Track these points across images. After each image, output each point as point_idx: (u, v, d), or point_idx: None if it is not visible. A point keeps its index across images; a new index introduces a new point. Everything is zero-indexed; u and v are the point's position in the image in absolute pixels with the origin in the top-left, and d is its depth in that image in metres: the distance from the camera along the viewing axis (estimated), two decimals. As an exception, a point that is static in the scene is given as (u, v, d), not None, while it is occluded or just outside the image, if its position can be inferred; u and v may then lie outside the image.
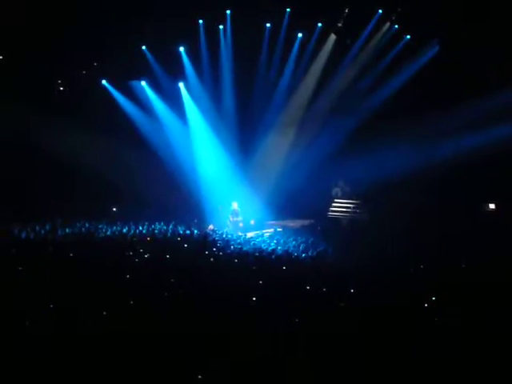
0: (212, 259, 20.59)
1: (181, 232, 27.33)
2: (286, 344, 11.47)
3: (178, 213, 31.08)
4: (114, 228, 27.71)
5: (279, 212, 31.64)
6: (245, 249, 22.78)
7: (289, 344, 11.48)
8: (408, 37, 31.68)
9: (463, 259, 19.23)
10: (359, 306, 13.94)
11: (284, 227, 29.64)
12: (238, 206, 30.62)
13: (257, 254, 21.19)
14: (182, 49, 32.47)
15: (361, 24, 31.72)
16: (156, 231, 27.35)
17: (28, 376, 10.40)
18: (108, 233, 26.70)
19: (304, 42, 32.70)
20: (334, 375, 10.47)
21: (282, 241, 24.71)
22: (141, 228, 27.68)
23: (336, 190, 33.22)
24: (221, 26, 32.37)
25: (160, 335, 11.82)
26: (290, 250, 22.61)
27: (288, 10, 31.46)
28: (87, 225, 27.96)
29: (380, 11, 31.31)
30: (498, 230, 24.53)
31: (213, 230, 28.06)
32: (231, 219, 30.19)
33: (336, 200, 32.98)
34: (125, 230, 27.18)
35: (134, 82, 33.12)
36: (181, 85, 33.11)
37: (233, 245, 23.83)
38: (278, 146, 33.31)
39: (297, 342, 11.64)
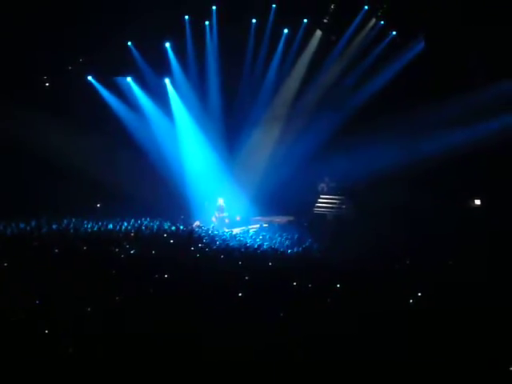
0: (198, 255, 20.60)
1: (167, 228, 27.32)
2: (273, 339, 11.48)
3: (164, 209, 31.06)
4: (100, 224, 27.66)
5: (265, 208, 31.64)
6: (231, 244, 22.81)
7: (276, 339, 11.50)
8: (394, 33, 31.72)
9: (449, 256, 19.25)
10: (345, 301, 13.98)
11: (270, 223, 29.62)
12: (223, 202, 30.60)
13: (242, 250, 21.23)
14: (167, 45, 32.42)
15: (347, 20, 31.73)
16: (142, 227, 27.32)
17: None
18: (94, 229, 26.66)
19: (290, 38, 32.70)
20: (321, 370, 10.49)
21: (267, 236, 24.70)
22: (126, 224, 27.63)
23: (322, 186, 33.25)
24: (207, 22, 32.29)
25: (145, 331, 11.83)
26: (276, 246, 22.66)
27: (274, 5, 31.42)
28: (72, 221, 27.91)
29: (366, 7, 31.32)
30: (484, 226, 24.60)
31: (199, 226, 28.05)
32: (217, 215, 30.18)
33: (322, 196, 32.99)
34: (110, 226, 27.12)
35: (120, 78, 33.04)
36: (167, 81, 33.09)
37: (218, 240, 23.84)
38: (264, 142, 33.39)
39: (284, 336, 11.66)
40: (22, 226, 26.13)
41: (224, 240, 24.06)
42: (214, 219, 30.11)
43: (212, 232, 26.50)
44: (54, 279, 15.63)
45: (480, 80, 29.27)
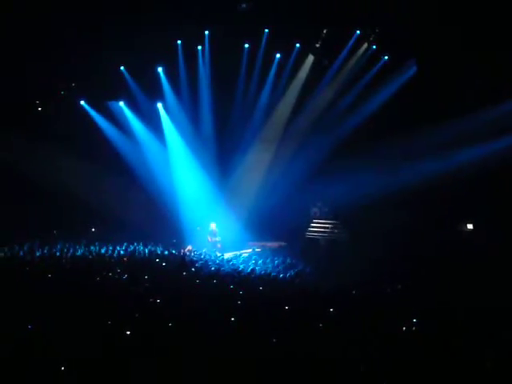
0: (190, 279, 20.54)
1: (159, 253, 27.26)
2: (265, 364, 11.42)
3: (156, 234, 30.99)
4: (92, 248, 27.60)
5: (257, 232, 31.50)
6: (223, 269, 22.75)
7: (268, 364, 11.43)
8: (386, 57, 31.84)
9: (440, 280, 19.28)
10: (338, 325, 13.93)
11: (262, 247, 29.57)
12: (216, 227, 30.53)
13: (235, 275, 21.17)
14: (160, 69, 32.51)
15: (339, 44, 31.85)
16: (135, 252, 27.24)
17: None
18: (86, 253, 26.58)
19: (282, 63, 32.80)
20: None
21: (260, 261, 24.65)
22: (119, 248, 27.55)
23: (314, 210, 33.21)
24: (199, 47, 32.40)
25: (137, 357, 11.77)
26: (269, 271, 22.61)
27: (266, 30, 31.53)
28: (66, 246, 27.84)
29: (358, 32, 31.44)
30: (476, 250, 24.66)
31: (191, 251, 27.97)
32: (209, 240, 30.11)
33: (314, 220, 32.95)
34: (103, 251, 27.05)
35: (113, 103, 33.08)
36: (159, 105, 33.10)
37: (211, 265, 23.76)
38: (256, 167, 33.39)
39: (276, 362, 11.59)
40: (14, 250, 26.06)
41: (216, 264, 23.99)
42: (209, 239, 30.08)
43: (204, 257, 26.42)
44: (47, 304, 15.54)
45: (472, 104, 29.35)
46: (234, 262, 24.98)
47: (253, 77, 33.12)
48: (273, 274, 21.90)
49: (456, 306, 15.33)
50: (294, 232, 31.71)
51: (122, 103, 32.92)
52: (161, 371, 11.17)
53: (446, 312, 14.78)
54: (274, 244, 30.69)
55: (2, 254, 25.14)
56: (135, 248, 28.04)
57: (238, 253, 28.61)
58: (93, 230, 33.70)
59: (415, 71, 30.86)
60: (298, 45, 32.25)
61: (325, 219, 32.69)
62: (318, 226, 32.65)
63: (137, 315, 14.67)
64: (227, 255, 27.83)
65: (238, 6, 29.91)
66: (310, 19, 29.62)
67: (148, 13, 28.40)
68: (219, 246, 29.95)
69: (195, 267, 23.13)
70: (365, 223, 29.24)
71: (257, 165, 33.52)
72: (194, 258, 25.64)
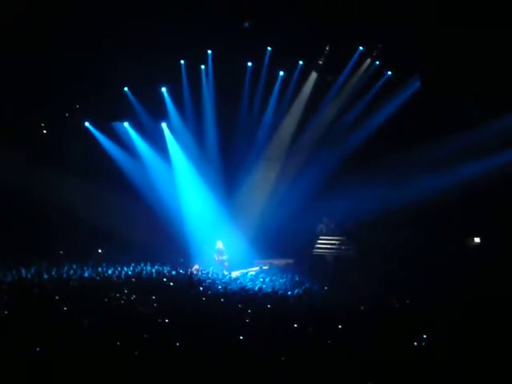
0: (197, 299, 20.50)
1: (166, 272, 27.21)
2: (275, 382, 11.37)
3: (163, 253, 30.94)
4: (100, 270, 27.57)
5: (264, 250, 31.42)
6: (230, 288, 22.69)
7: (277, 382, 11.39)
8: (389, 73, 31.88)
9: (450, 295, 19.18)
10: (347, 342, 13.86)
11: (269, 265, 29.52)
12: (222, 245, 30.48)
13: (243, 293, 21.12)
14: (164, 89, 32.58)
15: (342, 61, 31.92)
16: (142, 272, 27.20)
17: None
18: (93, 275, 26.54)
19: (286, 80, 32.88)
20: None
21: (267, 279, 24.61)
22: (126, 269, 27.52)
23: (321, 227, 33.14)
24: (202, 66, 32.50)
25: (145, 377, 11.73)
26: (276, 288, 22.55)
27: (269, 48, 31.63)
28: (73, 267, 27.81)
29: (361, 48, 31.52)
30: (483, 265, 24.56)
31: (198, 270, 27.94)
32: (216, 258, 30.06)
33: (321, 237, 32.88)
34: (110, 272, 27.01)
35: (117, 123, 33.10)
36: (164, 125, 33.13)
37: (218, 284, 23.72)
38: (262, 184, 33.41)
39: (285, 379, 11.54)
40: (22, 272, 26.05)
41: (224, 283, 23.95)
42: (216, 258, 30.04)
43: (212, 275, 26.38)
44: (55, 326, 15.51)
45: (476, 118, 29.37)
46: (242, 280, 24.93)
47: (256, 95, 33.19)
48: (280, 291, 21.85)
49: (466, 321, 15.24)
50: (301, 249, 31.60)
51: (126, 124, 32.93)
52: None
53: (455, 327, 14.69)
54: (281, 261, 30.61)
55: (10, 277, 25.09)
56: (142, 268, 28.01)
57: (245, 271, 28.58)
58: (99, 251, 33.65)
59: (419, 86, 30.89)
60: (301, 62, 32.35)
61: (331, 236, 32.61)
62: (324, 243, 32.58)
63: (145, 336, 14.62)
64: (234, 273, 27.81)
65: (240, 25, 30.02)
66: (312, 36, 29.70)
67: (151, 33, 28.46)
68: (227, 264, 29.88)
69: (203, 286, 23.10)
70: (371, 239, 29.21)
71: (262, 182, 33.54)
72: (202, 277, 25.60)
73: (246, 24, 30.09)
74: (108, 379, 11.77)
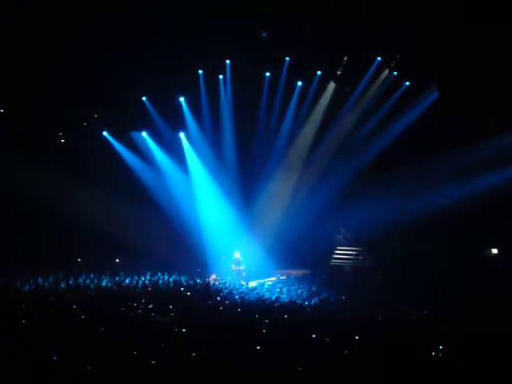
0: (215, 308, 20.51)
1: (183, 282, 27.25)
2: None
3: (180, 263, 30.96)
4: (117, 279, 27.63)
5: (282, 260, 31.38)
6: (247, 298, 22.68)
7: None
8: (407, 83, 31.84)
9: (466, 306, 19.11)
10: (364, 352, 13.82)
11: (287, 275, 29.50)
12: (240, 256, 30.48)
13: (260, 303, 21.11)
14: (182, 99, 32.66)
15: (360, 71, 31.91)
16: (160, 282, 27.24)
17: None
18: (110, 284, 26.61)
19: (304, 90, 32.86)
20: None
21: (284, 289, 24.57)
22: (143, 279, 27.57)
23: (338, 237, 33.02)
24: (220, 76, 32.57)
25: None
26: (294, 298, 22.53)
27: (287, 58, 31.65)
28: (90, 276, 27.89)
29: (379, 58, 31.49)
30: (500, 276, 24.46)
31: (215, 280, 27.95)
32: (234, 268, 30.06)
33: (338, 247, 32.79)
34: (127, 281, 27.07)
35: (135, 133, 33.20)
36: (182, 135, 33.20)
37: (236, 294, 23.72)
38: (280, 194, 33.37)
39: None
40: (39, 282, 26.15)
41: (241, 293, 23.94)
42: (233, 267, 30.04)
43: (229, 285, 26.38)
44: (72, 335, 15.54)
45: (493, 129, 29.29)
46: (259, 290, 24.90)
47: (274, 105, 33.19)
48: (297, 301, 21.83)
49: (483, 332, 15.17)
50: (319, 260, 31.50)
51: (144, 133, 33.04)
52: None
53: (472, 338, 14.63)
54: (299, 272, 30.60)
55: (28, 287, 25.18)
56: (159, 277, 28.05)
57: (262, 281, 28.57)
58: (117, 260, 33.73)
59: (436, 97, 30.81)
60: (319, 72, 32.34)
61: (349, 246, 32.52)
62: (342, 253, 32.49)
63: (162, 345, 14.63)
64: (252, 284, 27.79)
65: (258, 35, 30.07)
66: (330, 47, 29.73)
67: (169, 43, 28.54)
68: (244, 274, 29.87)
69: (220, 296, 23.11)
70: (389, 249, 29.11)
71: (280, 192, 33.50)
72: (219, 287, 25.61)
73: (264, 34, 30.14)
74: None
